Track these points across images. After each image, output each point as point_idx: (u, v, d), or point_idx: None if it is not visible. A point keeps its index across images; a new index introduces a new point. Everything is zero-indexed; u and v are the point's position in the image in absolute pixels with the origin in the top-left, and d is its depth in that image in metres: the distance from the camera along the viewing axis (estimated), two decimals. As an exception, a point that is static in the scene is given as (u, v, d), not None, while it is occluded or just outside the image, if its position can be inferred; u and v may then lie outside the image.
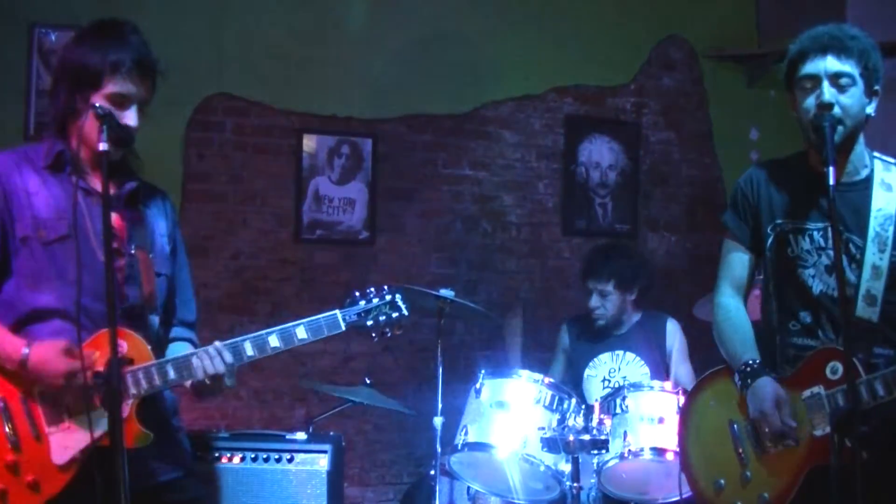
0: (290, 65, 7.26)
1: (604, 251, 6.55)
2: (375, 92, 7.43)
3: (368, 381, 6.10)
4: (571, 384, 6.13)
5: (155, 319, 3.92)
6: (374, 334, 4.02)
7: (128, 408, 3.66)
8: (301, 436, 5.84)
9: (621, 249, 6.68)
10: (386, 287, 4.05)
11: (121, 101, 3.75)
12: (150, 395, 3.78)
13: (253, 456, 5.68)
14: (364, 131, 7.43)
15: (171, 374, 3.78)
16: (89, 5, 6.71)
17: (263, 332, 3.90)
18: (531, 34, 7.83)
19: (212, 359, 3.81)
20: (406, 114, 7.55)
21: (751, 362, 3.97)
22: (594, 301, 6.24)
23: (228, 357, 3.84)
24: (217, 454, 5.67)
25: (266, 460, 5.66)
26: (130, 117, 3.78)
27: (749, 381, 3.94)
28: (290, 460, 5.67)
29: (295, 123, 7.28)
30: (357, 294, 4.02)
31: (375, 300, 4.02)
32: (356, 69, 7.37)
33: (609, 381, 6.10)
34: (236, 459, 5.66)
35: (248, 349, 3.87)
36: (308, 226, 7.27)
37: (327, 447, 5.74)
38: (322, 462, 5.69)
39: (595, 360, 6.25)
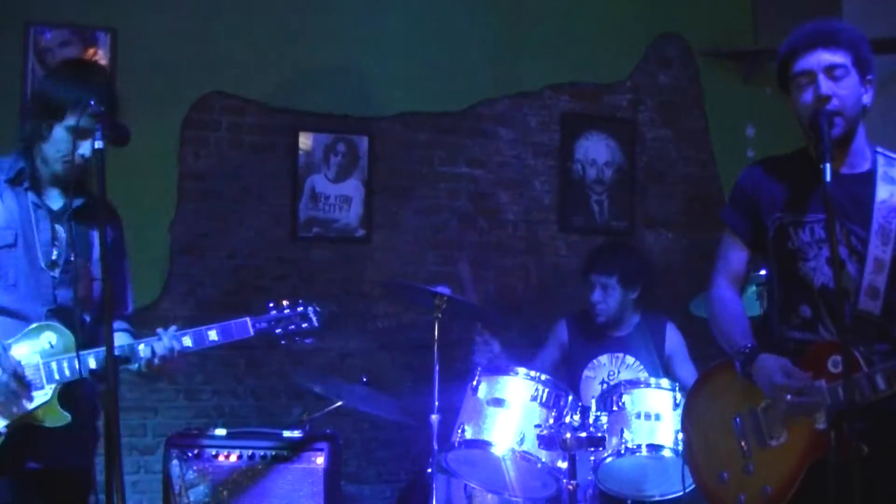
0: (286, 63, 7.26)
1: (610, 246, 6.63)
2: (371, 89, 7.43)
3: (364, 380, 6.10)
4: (567, 382, 6.13)
5: (86, 318, 4.22)
6: (283, 342, 4.40)
7: (50, 391, 4.02)
8: (298, 434, 5.85)
9: (627, 247, 6.83)
10: (302, 300, 4.43)
11: (79, 134, 4.02)
12: (73, 384, 4.07)
13: (250, 454, 5.70)
14: (360, 129, 7.42)
15: (92, 363, 4.06)
16: (84, 4, 6.76)
17: (180, 332, 4.21)
18: (527, 31, 7.83)
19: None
20: (402, 111, 7.54)
21: (748, 347, 3.97)
22: (596, 295, 6.25)
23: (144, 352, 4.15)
24: (214, 452, 5.69)
25: (263, 458, 5.69)
26: (86, 147, 4.05)
27: (750, 364, 3.94)
28: (287, 458, 5.68)
29: (291, 121, 7.28)
30: (271, 304, 4.39)
31: (287, 311, 4.38)
32: (352, 67, 7.37)
33: (607, 383, 6.10)
34: (233, 457, 5.67)
35: (159, 348, 4.14)
36: (304, 224, 7.26)
37: (324, 445, 5.75)
38: (319, 460, 5.70)
39: (594, 361, 6.25)
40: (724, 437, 4.08)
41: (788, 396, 3.80)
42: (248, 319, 4.31)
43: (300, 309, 4.40)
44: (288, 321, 4.37)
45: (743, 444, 4.02)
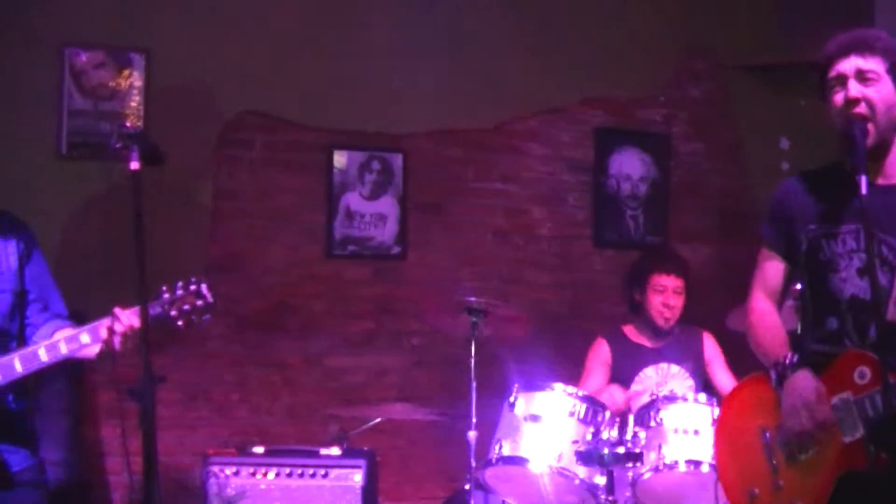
0: (319, 81, 7.27)
1: (672, 251, 6.60)
2: (404, 107, 7.44)
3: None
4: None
5: None
6: (180, 323, 4.22)
7: None
8: (335, 451, 5.85)
9: None
10: (194, 278, 4.27)
11: None
12: None
13: (287, 471, 5.72)
14: (393, 146, 7.44)
15: None
16: (118, 25, 6.81)
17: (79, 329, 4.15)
18: (559, 47, 7.83)
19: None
20: (435, 128, 7.55)
21: (786, 357, 3.95)
22: (670, 299, 6.20)
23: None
24: (251, 470, 5.70)
25: (300, 476, 5.70)
26: None
27: (787, 374, 3.91)
28: (325, 475, 5.70)
29: (324, 139, 7.30)
30: (164, 288, 4.22)
31: (179, 292, 4.22)
32: (385, 84, 7.39)
33: (657, 394, 6.05)
34: (270, 475, 5.69)
35: (42, 355, 4.09)
36: (340, 242, 7.28)
37: (361, 462, 5.76)
38: (356, 477, 5.72)
39: (640, 374, 6.20)
40: (754, 452, 4.05)
41: (804, 419, 3.79)
42: (138, 308, 4.21)
43: (192, 287, 4.27)
44: (182, 301, 4.23)
45: (772, 459, 4.00)
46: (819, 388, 3.80)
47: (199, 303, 4.25)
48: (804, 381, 3.84)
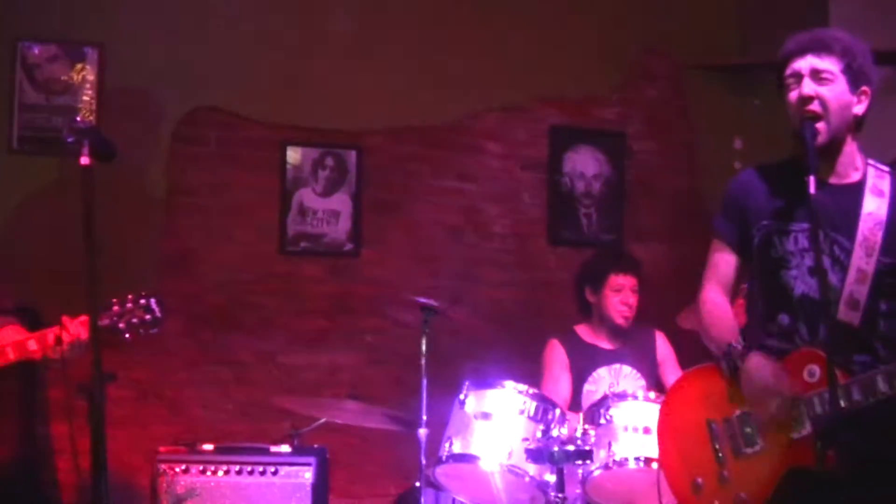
0: (275, 77, 7.26)
1: (620, 248, 6.62)
2: (359, 103, 7.43)
3: (354, 396, 6.10)
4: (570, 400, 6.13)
5: None
6: (127, 335, 4.43)
7: None
8: (285, 448, 5.84)
9: None
10: (144, 293, 4.48)
11: None
12: None
13: (237, 469, 5.71)
14: (348, 143, 7.42)
15: None
16: (73, 20, 6.76)
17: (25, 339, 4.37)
18: (515, 45, 7.83)
19: None
20: (390, 125, 7.54)
21: (735, 343, 3.98)
22: (630, 298, 6.24)
23: None
24: (201, 467, 5.68)
25: (251, 473, 5.69)
26: None
27: (739, 361, 3.94)
28: (275, 473, 5.69)
29: (279, 135, 7.28)
30: (114, 301, 4.40)
31: (129, 305, 4.41)
32: (340, 81, 7.37)
33: (608, 392, 6.06)
34: (220, 472, 5.67)
35: (10, 353, 4.31)
36: (293, 238, 7.26)
37: (312, 459, 5.76)
38: (307, 474, 5.72)
39: (593, 374, 6.21)
40: (700, 443, 4.08)
41: (775, 405, 3.81)
42: (86, 319, 4.30)
43: (142, 301, 4.43)
44: (131, 315, 4.40)
45: (718, 450, 4.03)
46: (776, 370, 3.83)
47: (148, 317, 4.42)
48: (760, 364, 3.88)
